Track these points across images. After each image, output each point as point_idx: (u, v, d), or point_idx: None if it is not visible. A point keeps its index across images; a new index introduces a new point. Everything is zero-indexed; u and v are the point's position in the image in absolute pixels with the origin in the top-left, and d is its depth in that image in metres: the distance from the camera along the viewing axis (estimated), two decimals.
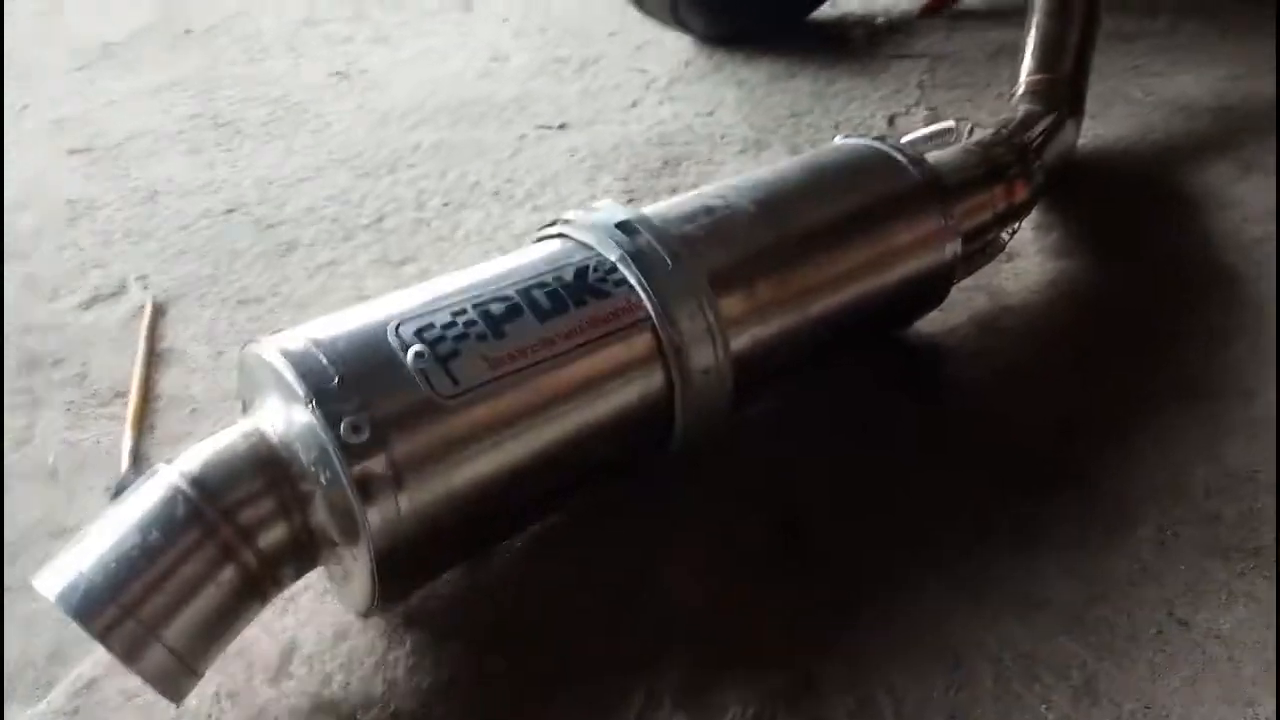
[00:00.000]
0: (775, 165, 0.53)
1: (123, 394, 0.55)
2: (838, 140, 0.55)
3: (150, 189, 0.82)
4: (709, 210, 0.46)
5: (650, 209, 0.46)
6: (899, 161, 0.53)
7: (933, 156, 0.59)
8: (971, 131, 0.66)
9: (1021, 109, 0.76)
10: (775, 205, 0.48)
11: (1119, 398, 0.57)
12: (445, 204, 0.80)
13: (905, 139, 0.63)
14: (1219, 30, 1.26)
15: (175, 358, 0.59)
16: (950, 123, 0.66)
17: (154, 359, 0.58)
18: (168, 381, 0.57)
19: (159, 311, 0.63)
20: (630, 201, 0.80)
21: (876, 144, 0.54)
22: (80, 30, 1.29)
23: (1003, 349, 0.61)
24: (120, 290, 0.66)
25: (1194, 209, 0.79)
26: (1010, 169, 0.62)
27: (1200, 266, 0.71)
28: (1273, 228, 0.74)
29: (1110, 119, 0.96)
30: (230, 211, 0.78)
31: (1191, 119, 0.97)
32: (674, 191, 0.82)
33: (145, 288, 0.66)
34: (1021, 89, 0.82)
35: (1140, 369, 0.59)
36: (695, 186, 0.82)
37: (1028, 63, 0.84)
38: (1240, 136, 0.92)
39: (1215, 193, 0.81)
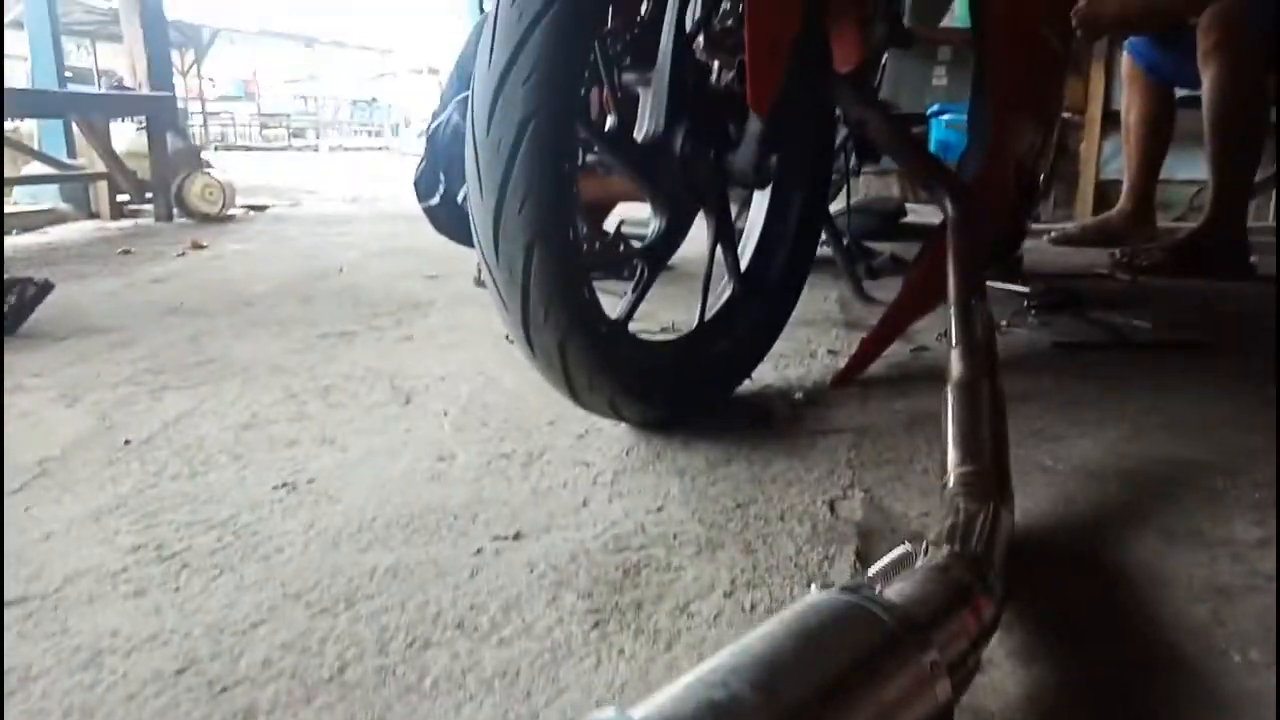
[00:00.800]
0: (763, 632, 0.54)
1: None
2: (814, 595, 0.57)
3: (93, 648, 0.78)
4: (713, 705, 0.46)
5: (654, 708, 0.46)
6: (877, 615, 0.55)
7: (898, 591, 0.61)
8: (927, 550, 0.69)
9: (959, 507, 0.81)
10: (774, 686, 0.49)
11: None
12: (409, 643, 0.78)
13: (871, 571, 0.66)
14: (1101, 388, 1.41)
15: None
16: (906, 547, 0.69)
17: None
18: None
19: None
20: (597, 625, 0.80)
21: (853, 598, 0.57)
22: (16, 447, 1.28)
23: None
24: None
25: (1134, 588, 0.83)
26: (972, 589, 0.65)
27: (1158, 656, 0.74)
28: (1216, 605, 0.79)
29: (1032, 491, 1.03)
30: (181, 671, 0.74)
31: (1103, 486, 1.05)
32: (639, 607, 0.82)
33: None
34: (952, 482, 0.88)
35: None
36: (659, 598, 0.83)
37: (952, 455, 0.91)
38: (1153, 504, 1.00)
39: (1148, 567, 0.86)
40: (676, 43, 1.22)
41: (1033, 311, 1.90)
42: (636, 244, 1.30)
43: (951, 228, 1.25)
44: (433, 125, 2.24)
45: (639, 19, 1.35)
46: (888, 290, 2.13)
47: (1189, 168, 3.83)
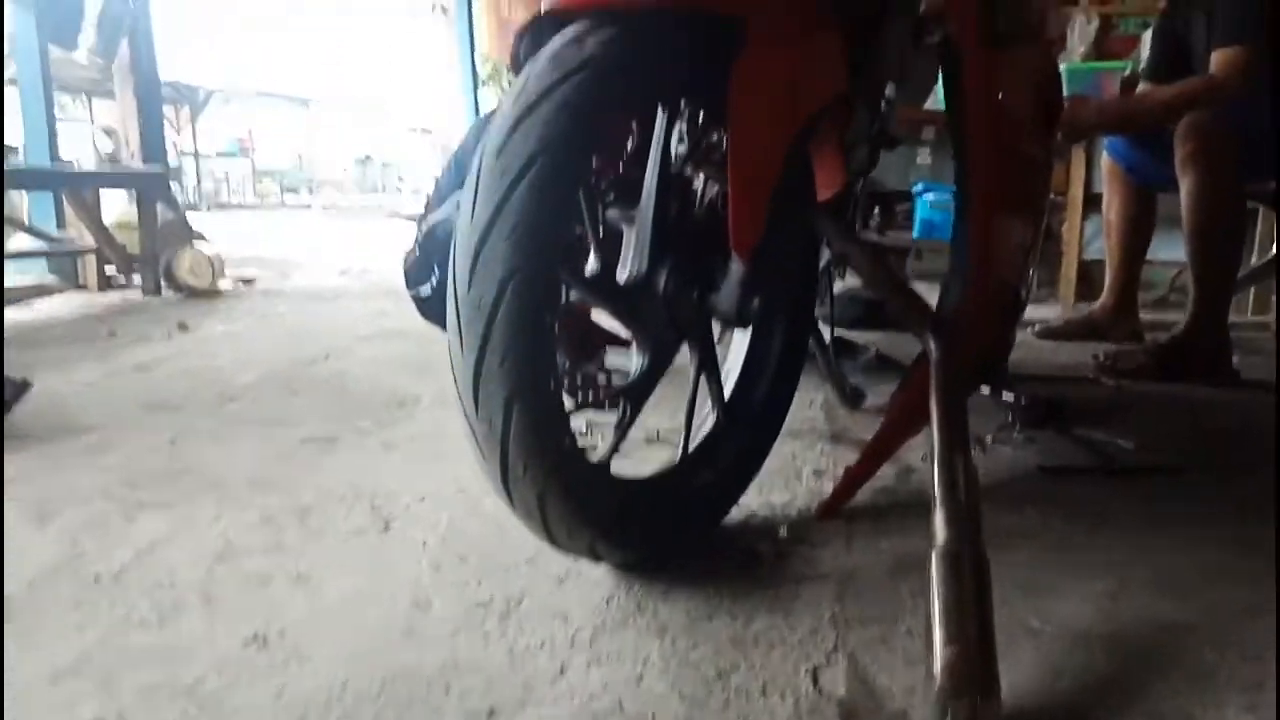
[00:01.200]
0: None
1: None
2: None
3: None
4: None
5: None
6: None
7: None
8: None
9: (945, 689, 0.79)
10: None
11: None
12: None
13: None
14: (1086, 526, 1.40)
15: None
16: None
17: None
18: None
19: None
20: None
21: None
22: None
23: None
24: None
25: None
26: None
27: None
28: None
29: (1017, 660, 1.01)
30: None
31: (1090, 656, 1.03)
32: None
33: None
34: (937, 665, 0.86)
35: None
36: None
37: (938, 634, 0.90)
38: (1141, 678, 0.98)
39: None
40: (661, 181, 1.22)
41: (1017, 426, 1.89)
42: (618, 368, 1.30)
43: (934, 366, 1.24)
44: (428, 221, 2.24)
45: (624, 154, 1.36)
46: (873, 392, 2.13)
47: (1170, 249, 3.86)
